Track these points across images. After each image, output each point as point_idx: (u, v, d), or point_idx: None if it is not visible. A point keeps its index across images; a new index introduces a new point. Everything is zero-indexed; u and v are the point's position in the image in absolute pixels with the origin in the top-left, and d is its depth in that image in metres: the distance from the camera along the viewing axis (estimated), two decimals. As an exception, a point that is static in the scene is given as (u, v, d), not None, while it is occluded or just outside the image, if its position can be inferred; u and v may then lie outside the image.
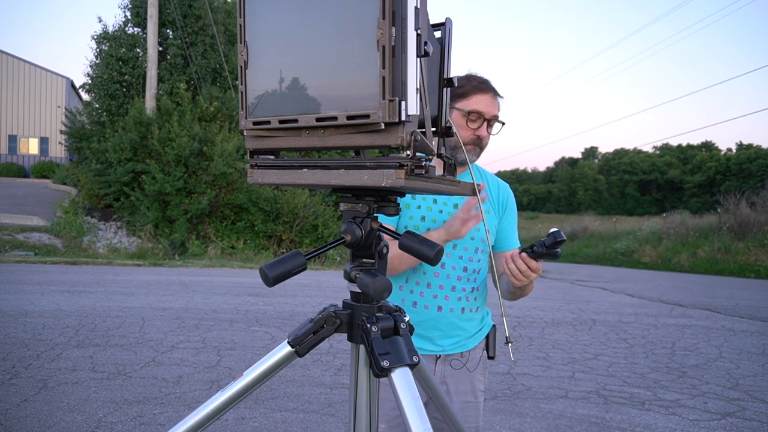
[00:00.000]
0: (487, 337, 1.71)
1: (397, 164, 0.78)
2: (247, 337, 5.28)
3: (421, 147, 0.79)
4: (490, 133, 1.60)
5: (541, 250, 1.36)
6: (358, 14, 0.75)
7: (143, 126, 14.91)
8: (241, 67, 0.88)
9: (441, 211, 1.63)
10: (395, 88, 0.73)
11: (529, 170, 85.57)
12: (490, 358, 1.70)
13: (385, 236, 1.00)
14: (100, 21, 24.63)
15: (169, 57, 18.22)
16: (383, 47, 0.72)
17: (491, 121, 1.58)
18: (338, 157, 0.85)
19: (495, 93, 1.60)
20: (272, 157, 0.92)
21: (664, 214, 26.18)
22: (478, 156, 1.60)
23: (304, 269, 0.91)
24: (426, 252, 0.93)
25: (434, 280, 1.60)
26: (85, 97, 19.86)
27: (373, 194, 0.95)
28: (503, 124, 1.63)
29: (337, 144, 0.81)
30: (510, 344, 1.39)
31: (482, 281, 1.68)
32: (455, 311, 1.61)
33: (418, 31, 0.74)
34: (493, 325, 1.74)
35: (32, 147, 28.11)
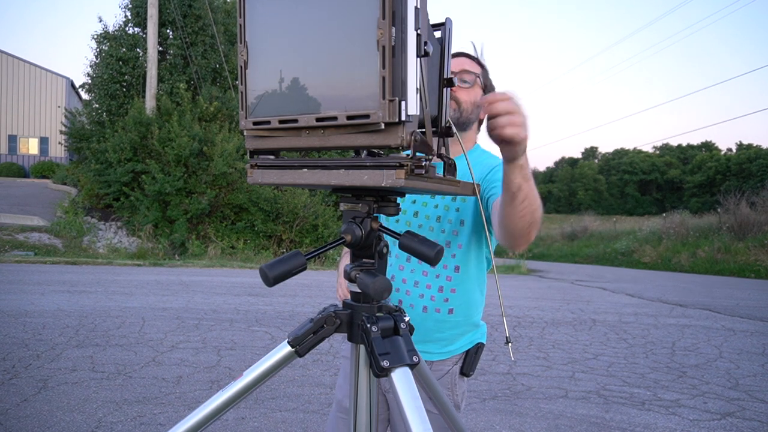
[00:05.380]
0: (467, 352, 1.51)
1: (397, 164, 0.78)
2: (247, 337, 5.28)
3: (421, 147, 0.79)
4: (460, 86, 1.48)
5: None
6: (358, 14, 0.75)
7: (143, 126, 14.91)
8: (241, 67, 0.88)
9: (416, 214, 1.50)
10: (395, 88, 0.73)
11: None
12: (463, 374, 1.50)
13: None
14: (101, 21, 24.61)
15: (169, 57, 18.21)
16: (383, 47, 0.72)
17: (458, 75, 1.48)
18: (338, 157, 0.85)
19: (464, 55, 1.52)
20: (272, 157, 0.92)
21: (664, 214, 26.18)
22: (461, 115, 1.47)
23: (304, 269, 0.91)
24: (426, 252, 0.93)
25: (398, 274, 1.49)
26: (85, 97, 19.85)
27: (373, 194, 0.95)
28: (477, 75, 1.49)
29: (337, 144, 0.81)
30: (510, 344, 1.38)
31: (460, 282, 1.47)
32: (416, 308, 1.46)
33: (418, 31, 0.75)
34: (478, 343, 1.53)
35: (32, 147, 28.10)
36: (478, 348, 1.53)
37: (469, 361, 1.50)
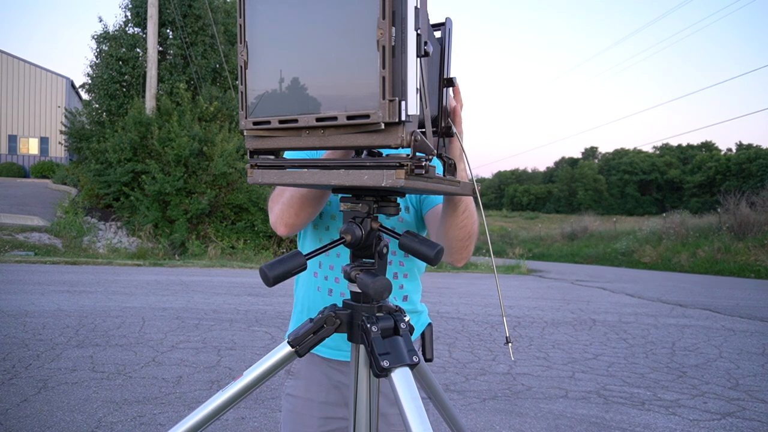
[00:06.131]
0: (423, 335, 1.44)
1: (397, 164, 0.78)
2: (247, 337, 5.28)
3: (421, 147, 0.78)
4: None
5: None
6: (358, 14, 0.75)
7: (143, 126, 14.91)
8: (241, 67, 0.87)
9: None
10: (395, 88, 0.73)
11: (529, 170, 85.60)
12: (428, 360, 1.42)
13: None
14: (101, 21, 24.62)
15: (169, 57, 18.21)
16: (383, 47, 0.72)
17: None
18: (338, 157, 0.85)
19: None
20: (272, 157, 0.92)
21: (664, 214, 26.20)
22: None
23: (304, 269, 0.91)
24: (426, 252, 0.93)
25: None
26: (85, 97, 19.85)
27: (373, 194, 0.95)
28: None
29: (337, 144, 0.81)
30: (510, 344, 1.37)
31: (410, 268, 1.45)
32: None
33: (418, 31, 0.74)
34: (429, 324, 1.48)
35: (32, 147, 28.11)
36: (430, 329, 1.45)
37: (428, 344, 1.43)
